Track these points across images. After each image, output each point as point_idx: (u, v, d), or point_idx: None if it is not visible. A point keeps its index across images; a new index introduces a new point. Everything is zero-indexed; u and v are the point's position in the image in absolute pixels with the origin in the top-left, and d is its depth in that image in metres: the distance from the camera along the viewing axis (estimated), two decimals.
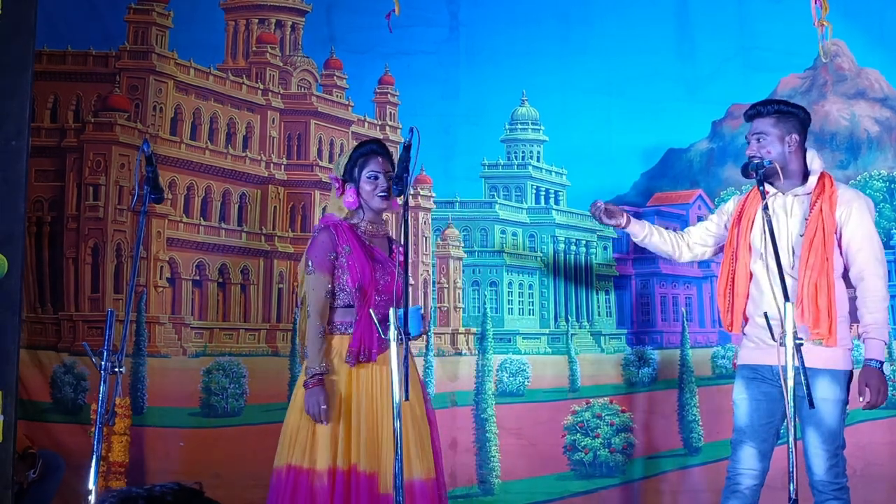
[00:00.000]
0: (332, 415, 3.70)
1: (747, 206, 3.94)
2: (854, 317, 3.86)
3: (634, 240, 4.32)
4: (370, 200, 3.87)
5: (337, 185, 3.91)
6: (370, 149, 3.92)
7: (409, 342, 3.76)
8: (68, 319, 5.15)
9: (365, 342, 3.76)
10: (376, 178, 3.86)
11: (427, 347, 5.16)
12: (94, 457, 3.42)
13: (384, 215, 4.04)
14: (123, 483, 4.36)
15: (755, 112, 3.90)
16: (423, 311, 3.87)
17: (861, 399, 3.71)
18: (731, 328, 3.93)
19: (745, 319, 3.90)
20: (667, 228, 4.34)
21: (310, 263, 3.82)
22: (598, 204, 4.20)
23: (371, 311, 3.70)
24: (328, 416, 3.68)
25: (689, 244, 4.24)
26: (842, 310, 3.79)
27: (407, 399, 3.30)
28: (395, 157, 3.93)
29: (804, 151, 3.90)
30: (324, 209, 5.23)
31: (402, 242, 3.45)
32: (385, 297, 3.82)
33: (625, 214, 4.22)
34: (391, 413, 3.65)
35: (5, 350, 4.14)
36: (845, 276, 3.85)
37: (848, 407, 3.81)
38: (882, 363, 3.73)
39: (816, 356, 3.69)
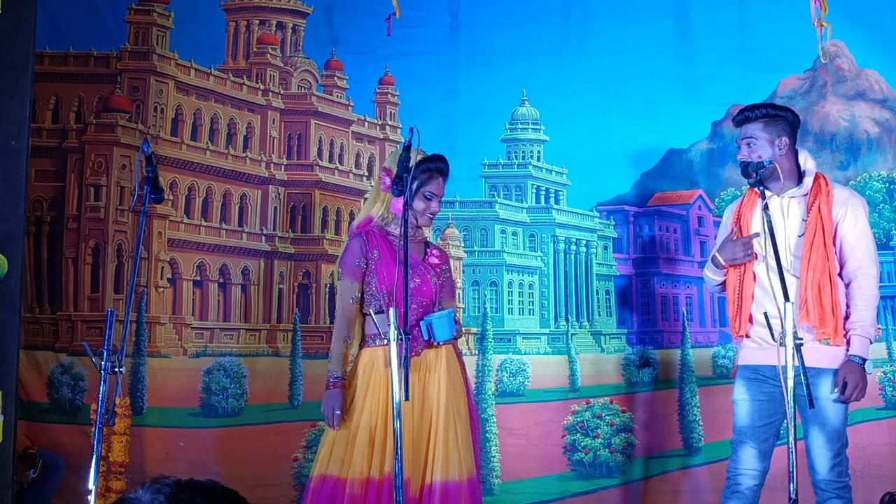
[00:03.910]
0: (351, 425, 3.74)
1: (744, 210, 3.94)
2: None
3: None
4: (418, 218, 3.89)
5: (389, 180, 3.78)
6: (437, 167, 3.89)
7: (457, 342, 3.89)
8: (66, 319, 5.15)
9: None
10: (431, 199, 3.89)
11: None
12: (94, 457, 3.43)
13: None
14: (124, 483, 4.35)
15: (744, 117, 3.92)
16: (456, 314, 3.88)
17: (835, 390, 3.70)
18: (739, 332, 3.91)
19: (750, 321, 3.89)
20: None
21: (340, 270, 3.89)
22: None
23: (371, 311, 3.72)
24: (340, 422, 3.73)
25: None
26: (845, 308, 3.80)
27: (407, 399, 3.30)
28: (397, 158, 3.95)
29: (795, 153, 3.90)
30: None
31: (402, 243, 3.46)
32: (419, 300, 3.83)
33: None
34: (428, 419, 3.69)
35: (5, 350, 4.14)
36: (840, 273, 3.86)
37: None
38: (865, 360, 3.74)
39: (822, 355, 3.70)
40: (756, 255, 3.84)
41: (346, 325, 3.86)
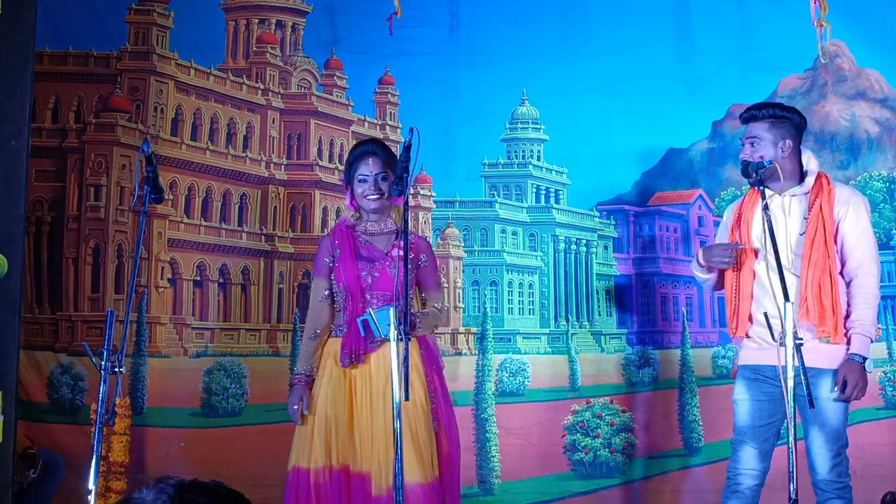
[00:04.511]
0: (311, 416, 3.80)
1: (744, 209, 3.94)
2: None
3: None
4: (361, 203, 3.92)
5: (343, 186, 4.03)
6: (361, 151, 3.96)
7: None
8: (66, 320, 5.15)
9: (353, 343, 3.80)
10: (365, 181, 3.90)
11: None
12: (94, 457, 3.43)
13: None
14: (124, 483, 4.35)
15: (750, 116, 3.91)
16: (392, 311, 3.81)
17: (835, 389, 3.70)
18: (736, 332, 3.90)
19: (750, 321, 3.89)
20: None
21: (313, 270, 4.00)
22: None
23: (370, 309, 3.73)
24: (300, 417, 3.80)
25: None
26: (846, 307, 3.79)
27: (407, 399, 3.29)
28: (397, 157, 3.95)
29: (799, 154, 3.90)
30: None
31: (403, 242, 3.46)
32: (379, 294, 3.83)
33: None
34: (383, 412, 3.69)
35: (5, 350, 4.14)
36: (841, 272, 3.85)
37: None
38: (865, 359, 3.73)
39: (822, 355, 3.70)
40: (756, 253, 3.84)
41: (311, 323, 3.93)
